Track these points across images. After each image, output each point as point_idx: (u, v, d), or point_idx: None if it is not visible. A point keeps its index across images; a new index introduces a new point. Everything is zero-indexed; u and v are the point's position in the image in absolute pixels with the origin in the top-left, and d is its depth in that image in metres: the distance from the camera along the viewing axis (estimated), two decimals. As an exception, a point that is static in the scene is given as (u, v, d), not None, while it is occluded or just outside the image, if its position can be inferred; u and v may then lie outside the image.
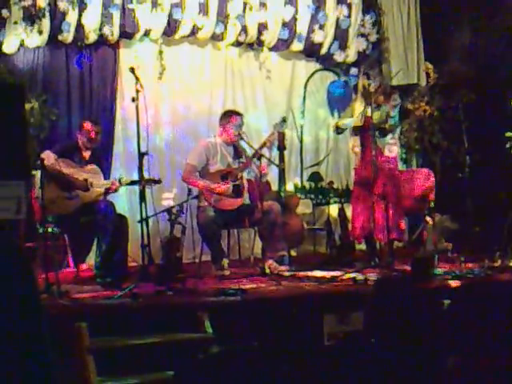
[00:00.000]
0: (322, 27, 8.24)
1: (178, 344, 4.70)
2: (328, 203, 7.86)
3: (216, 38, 7.86)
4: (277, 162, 7.28)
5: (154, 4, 7.35)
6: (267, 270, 6.18)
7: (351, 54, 8.47)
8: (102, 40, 7.27)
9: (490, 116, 8.11)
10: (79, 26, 7.07)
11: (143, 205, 5.50)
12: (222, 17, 7.72)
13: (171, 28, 7.55)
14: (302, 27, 8.15)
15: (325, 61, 8.57)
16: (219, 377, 2.05)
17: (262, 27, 7.97)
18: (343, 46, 8.42)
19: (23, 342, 2.32)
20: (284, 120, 6.93)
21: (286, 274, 6.28)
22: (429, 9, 8.72)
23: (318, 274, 6.25)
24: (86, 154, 6.34)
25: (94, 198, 6.14)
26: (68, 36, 7.05)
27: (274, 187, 7.61)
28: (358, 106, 6.74)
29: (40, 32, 6.86)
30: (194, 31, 7.69)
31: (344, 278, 6.00)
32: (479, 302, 5.44)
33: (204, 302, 5.11)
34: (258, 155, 6.51)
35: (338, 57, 8.45)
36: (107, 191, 6.21)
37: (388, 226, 6.44)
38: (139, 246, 5.59)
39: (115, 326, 4.66)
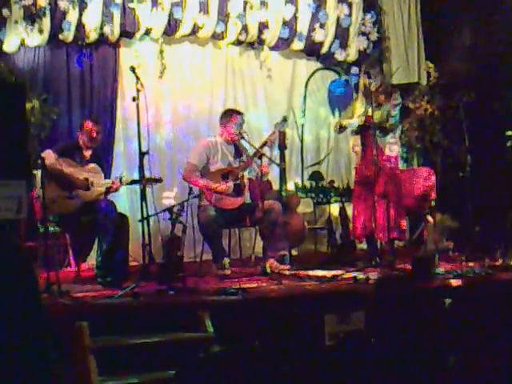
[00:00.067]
0: (322, 26, 8.24)
1: (179, 343, 4.70)
2: (329, 202, 7.86)
3: (216, 36, 7.85)
4: (277, 161, 7.28)
5: (155, 3, 7.35)
6: (268, 270, 6.18)
7: (352, 53, 8.47)
8: (102, 39, 7.27)
9: (490, 115, 8.11)
10: (80, 25, 7.07)
11: (144, 204, 5.50)
12: (223, 16, 7.71)
13: (172, 27, 7.55)
14: (302, 26, 8.15)
15: (325, 60, 8.56)
16: (220, 376, 2.05)
17: (262, 26, 7.96)
18: (344, 45, 8.42)
19: (24, 342, 2.32)
20: (285, 119, 6.94)
21: (287, 273, 6.28)
22: (429, 8, 8.72)
23: (318, 273, 6.25)
24: (87, 154, 6.34)
25: (95, 197, 6.14)
26: (68, 35, 7.05)
27: (275, 186, 7.60)
28: (359, 105, 6.73)
29: (40, 31, 6.86)
30: (195, 30, 7.68)
31: (345, 277, 5.99)
32: (480, 301, 5.44)
33: (205, 301, 5.12)
34: (258, 154, 6.51)
35: (339, 56, 8.44)
36: (108, 190, 6.21)
37: (389, 225, 6.44)
38: (140, 245, 5.59)
39: (116, 326, 4.66)
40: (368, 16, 8.50)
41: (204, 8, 7.60)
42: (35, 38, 6.88)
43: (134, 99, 5.59)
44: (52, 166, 5.88)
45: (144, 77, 5.92)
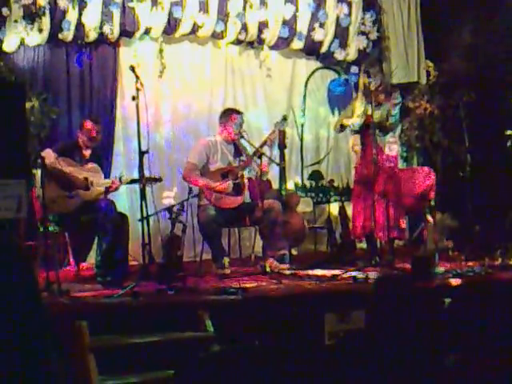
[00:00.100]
0: (322, 25, 8.24)
1: (179, 343, 4.70)
2: (328, 202, 7.86)
3: (216, 36, 7.85)
4: (277, 160, 7.28)
5: (154, 2, 7.35)
6: (268, 269, 6.18)
7: (351, 53, 8.47)
8: (102, 38, 7.27)
9: (490, 114, 8.11)
10: (79, 25, 7.07)
11: (144, 203, 5.50)
12: (223, 15, 7.71)
13: (171, 26, 7.55)
14: (302, 25, 8.15)
15: (325, 59, 8.56)
16: (220, 375, 2.05)
17: (262, 25, 7.96)
18: (343, 45, 8.42)
19: (24, 341, 2.32)
20: (284, 118, 6.94)
21: (287, 272, 6.28)
22: (429, 7, 8.71)
23: (318, 272, 6.25)
24: (87, 153, 6.33)
25: (95, 196, 6.13)
26: (68, 34, 7.05)
27: (275, 185, 7.60)
28: (359, 105, 6.73)
29: (40, 30, 6.86)
30: (195, 29, 7.68)
31: (345, 276, 6.00)
32: (480, 300, 5.43)
33: (205, 300, 5.12)
34: (258, 154, 6.51)
35: (339, 55, 8.44)
36: (108, 190, 6.20)
37: (388, 224, 6.44)
38: (140, 244, 5.59)
39: (116, 325, 4.66)
40: (368, 15, 8.49)
41: (204, 7, 7.60)
42: (35, 37, 6.88)
43: (133, 98, 5.58)
44: (52, 166, 5.88)
45: (144, 76, 5.91)
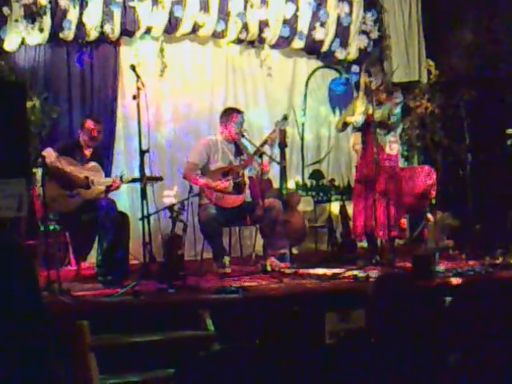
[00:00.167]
0: (323, 24, 8.23)
1: (180, 342, 4.71)
2: (329, 201, 7.86)
3: (217, 35, 7.85)
4: (278, 159, 7.28)
5: (155, 1, 7.35)
6: (268, 268, 6.18)
7: (352, 52, 8.47)
8: (102, 38, 7.27)
9: (491, 113, 8.11)
10: (80, 24, 7.07)
11: (144, 202, 5.50)
12: (223, 14, 7.71)
13: (172, 25, 7.55)
14: (303, 25, 8.14)
15: (326, 58, 8.56)
16: (221, 374, 2.05)
17: (263, 25, 7.96)
18: (344, 44, 8.42)
19: (24, 341, 2.32)
20: (285, 117, 6.93)
21: (288, 271, 6.28)
22: (430, 6, 8.71)
23: (319, 271, 6.25)
24: (87, 152, 6.33)
25: (95, 195, 6.14)
26: (69, 34, 7.05)
27: (276, 185, 7.61)
28: (360, 104, 6.72)
29: (41, 30, 6.86)
30: (195, 29, 7.68)
31: (345, 275, 5.99)
32: (481, 299, 5.42)
33: (205, 299, 5.12)
34: (259, 153, 6.51)
35: (339, 54, 8.44)
36: (108, 189, 6.21)
37: (389, 223, 6.44)
38: (140, 243, 5.59)
39: (116, 324, 4.66)
40: (368, 14, 8.49)
41: (204, 6, 7.60)
42: (36, 36, 6.88)
43: (134, 98, 5.58)
44: (52, 165, 5.87)
45: (144, 75, 5.91)
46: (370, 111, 6.49)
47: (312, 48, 8.39)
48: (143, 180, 5.59)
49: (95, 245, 6.25)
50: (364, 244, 7.09)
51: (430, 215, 7.25)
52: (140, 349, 4.57)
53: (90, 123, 6.30)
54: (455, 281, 5.66)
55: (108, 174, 6.60)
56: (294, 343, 4.83)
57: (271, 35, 8.05)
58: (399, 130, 7.18)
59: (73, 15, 6.99)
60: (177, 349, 4.52)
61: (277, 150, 7.27)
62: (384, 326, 2.92)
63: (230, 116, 6.68)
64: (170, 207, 6.27)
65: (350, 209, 7.32)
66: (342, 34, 8.38)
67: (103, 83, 7.52)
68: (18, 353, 2.30)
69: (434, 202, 7.29)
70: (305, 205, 7.94)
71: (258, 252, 7.18)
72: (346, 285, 5.69)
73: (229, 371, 2.06)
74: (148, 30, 7.46)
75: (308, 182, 8.04)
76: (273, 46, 8.21)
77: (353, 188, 7.10)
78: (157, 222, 6.42)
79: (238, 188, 6.54)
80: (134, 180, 6.27)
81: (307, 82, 8.55)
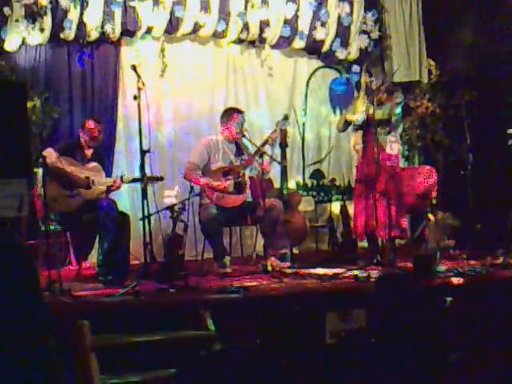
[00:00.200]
0: (323, 24, 8.23)
1: (180, 341, 4.71)
2: (330, 201, 7.86)
3: (218, 35, 7.85)
4: (279, 159, 7.28)
5: (156, 1, 7.35)
6: (269, 268, 6.18)
7: (353, 52, 8.47)
8: (103, 38, 7.27)
9: (492, 113, 8.10)
10: (81, 24, 7.07)
11: (145, 202, 5.50)
12: (224, 14, 7.71)
13: (173, 26, 7.55)
14: (303, 24, 8.14)
15: (326, 58, 8.56)
16: (221, 374, 2.05)
17: (263, 24, 7.96)
18: (345, 44, 8.42)
19: (25, 341, 2.32)
20: (286, 117, 6.93)
21: (288, 271, 6.27)
22: (430, 6, 8.71)
23: (319, 271, 6.25)
24: (88, 152, 6.33)
25: (96, 195, 6.13)
26: (70, 34, 7.05)
27: (276, 184, 7.61)
28: (361, 104, 6.72)
29: (42, 30, 6.86)
30: (196, 29, 7.68)
31: (346, 275, 5.99)
32: (481, 299, 5.44)
33: (206, 299, 5.12)
34: (260, 152, 6.51)
35: (340, 54, 8.44)
36: (109, 189, 6.21)
37: (390, 223, 6.44)
38: (141, 243, 5.59)
39: (117, 324, 4.66)
40: (369, 14, 8.49)
41: (205, 6, 7.60)
42: (36, 36, 6.88)
43: (135, 98, 5.58)
44: (53, 165, 5.87)
45: (145, 75, 5.91)
46: (371, 111, 6.49)
47: (313, 48, 8.39)
48: (144, 180, 5.59)
49: (96, 245, 6.25)
50: (365, 244, 7.09)
51: (430, 215, 7.24)
52: (141, 349, 4.58)
53: (90, 123, 6.30)
54: (456, 281, 5.66)
55: (109, 174, 6.60)
56: (295, 343, 4.83)
57: (272, 35, 8.05)
58: (400, 130, 7.18)
59: (73, 15, 6.99)
60: (177, 349, 4.52)
61: (277, 150, 7.27)
62: (385, 325, 2.92)
63: (231, 116, 6.68)
64: (171, 207, 6.27)
65: (350, 209, 7.32)
66: (343, 33, 8.38)
67: (104, 83, 7.52)
68: (19, 353, 2.30)
69: (434, 202, 7.29)
70: (305, 205, 7.94)
71: (258, 252, 7.18)
72: (347, 285, 5.68)
73: (229, 371, 2.06)
74: (149, 30, 7.46)
75: (309, 182, 8.04)
76: (273, 46, 8.21)
77: (353, 188, 7.10)
78: (157, 222, 6.42)
79: (239, 188, 6.54)
80: (134, 180, 6.26)
81: (308, 82, 8.55)
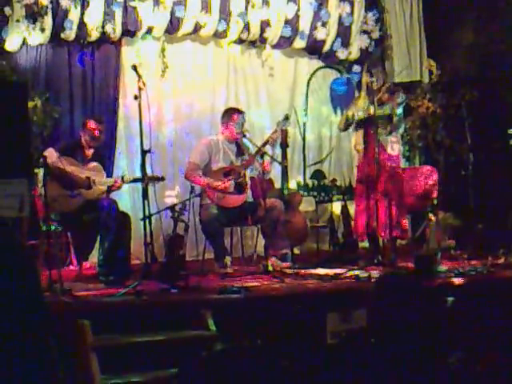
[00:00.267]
0: (324, 24, 8.23)
1: (181, 342, 4.71)
2: (331, 201, 7.86)
3: (218, 35, 7.85)
4: (279, 159, 7.28)
5: (156, 2, 7.35)
6: (270, 268, 6.18)
7: (354, 52, 8.46)
8: (104, 38, 7.27)
9: (493, 113, 8.10)
10: (81, 24, 7.07)
11: (146, 202, 5.50)
12: (225, 14, 7.71)
13: (173, 26, 7.54)
14: (304, 24, 8.14)
15: (327, 58, 8.56)
16: (222, 375, 2.04)
17: (264, 24, 7.96)
18: (346, 44, 8.42)
19: (25, 341, 2.32)
20: (287, 117, 6.93)
21: (289, 271, 6.27)
22: (431, 5, 8.71)
23: (320, 271, 6.25)
24: (89, 152, 6.33)
25: (97, 195, 6.14)
26: (70, 34, 7.05)
27: (277, 185, 7.60)
28: (362, 104, 6.73)
29: (42, 30, 6.86)
30: (197, 29, 7.68)
31: (347, 275, 5.99)
32: (483, 299, 5.43)
33: (207, 299, 5.12)
34: (260, 153, 6.51)
35: (341, 54, 8.44)
36: (110, 189, 6.21)
37: (391, 223, 6.44)
38: (142, 243, 5.59)
39: (118, 324, 4.66)
40: (370, 14, 8.49)
41: (206, 6, 7.59)
42: (37, 36, 6.88)
43: (135, 98, 5.58)
44: (54, 165, 5.87)
45: (146, 75, 5.91)
46: (372, 111, 6.49)
47: (313, 48, 8.38)
48: (145, 180, 5.59)
49: (97, 245, 6.25)
50: (366, 244, 7.09)
51: (431, 215, 7.24)
52: (142, 349, 4.57)
53: (91, 123, 6.30)
54: (457, 281, 5.66)
55: (109, 174, 6.60)
56: (296, 343, 4.83)
57: (272, 35, 8.05)
58: (401, 130, 7.17)
59: (74, 15, 6.99)
60: (178, 349, 4.52)
61: (278, 150, 7.26)
62: (386, 326, 2.91)
63: (231, 116, 6.68)
64: (172, 207, 6.27)
65: (351, 209, 7.32)
66: (344, 33, 8.38)
67: (104, 83, 7.52)
68: (19, 353, 2.30)
69: (435, 202, 7.29)
70: (306, 205, 7.94)
71: (259, 252, 7.18)
72: (348, 285, 5.69)
73: (230, 371, 2.06)
74: (149, 30, 7.46)
75: (309, 182, 8.03)
76: (274, 46, 8.21)
77: (354, 188, 7.10)
78: (158, 222, 6.41)
79: (240, 188, 6.54)
80: (135, 180, 6.27)
81: (309, 82, 8.55)
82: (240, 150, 6.75)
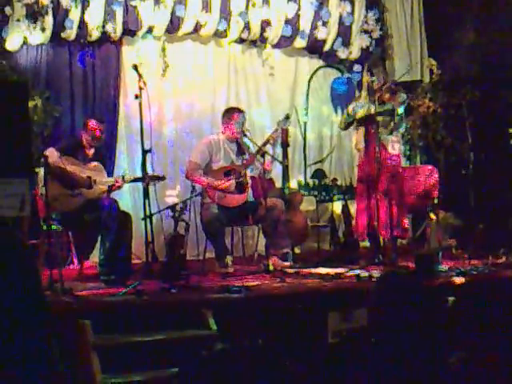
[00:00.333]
0: (325, 24, 8.23)
1: (182, 341, 4.71)
2: (331, 200, 7.85)
3: (219, 34, 7.85)
4: (280, 158, 7.28)
5: (157, 1, 7.35)
6: (271, 267, 6.17)
7: (354, 51, 8.46)
8: (104, 37, 7.27)
9: (493, 112, 8.10)
10: (82, 23, 7.07)
11: (147, 202, 5.50)
12: (225, 14, 7.71)
13: (174, 25, 7.54)
14: (305, 24, 8.14)
15: (328, 57, 8.56)
16: (223, 374, 2.04)
17: (264, 24, 7.96)
18: (346, 43, 8.42)
19: (26, 340, 2.32)
20: (287, 117, 6.93)
21: (290, 270, 6.28)
22: (432, 5, 8.70)
23: (321, 270, 6.25)
24: (90, 152, 6.33)
25: (98, 195, 6.13)
26: (71, 33, 7.05)
27: (278, 184, 7.61)
28: (363, 102, 6.73)
29: (43, 29, 6.86)
30: (197, 28, 7.68)
31: (348, 274, 5.99)
32: (483, 298, 5.43)
33: (208, 299, 5.12)
34: (261, 152, 6.51)
35: (342, 53, 8.44)
36: (111, 188, 6.20)
37: (391, 222, 6.44)
38: (143, 243, 5.60)
39: (119, 323, 4.66)
40: (370, 14, 8.49)
41: (206, 6, 7.60)
42: (37, 36, 6.88)
43: (136, 97, 5.58)
44: (55, 164, 5.87)
45: (146, 75, 5.91)
46: (373, 111, 6.49)
47: (314, 47, 8.38)
48: (145, 179, 5.59)
49: (98, 244, 6.25)
50: (366, 243, 7.09)
51: (432, 215, 7.24)
52: (142, 348, 4.58)
53: (92, 123, 6.29)
54: (458, 280, 5.66)
55: (110, 174, 6.60)
56: (297, 343, 4.83)
57: (273, 34, 8.04)
58: (402, 130, 7.18)
59: (75, 15, 6.99)
60: (179, 348, 4.52)
61: (279, 150, 7.26)
62: (387, 325, 2.91)
63: (232, 115, 6.68)
64: (173, 207, 6.27)
65: (352, 208, 7.32)
66: (344, 33, 8.38)
67: (105, 83, 7.52)
68: (20, 352, 2.30)
69: (436, 201, 7.29)
70: (307, 204, 7.94)
71: (260, 251, 7.18)
72: (349, 284, 5.68)
73: (231, 371, 2.06)
74: (150, 30, 7.46)
75: (310, 182, 8.03)
76: (275, 46, 8.21)
77: (355, 187, 7.10)
78: (159, 222, 6.41)
79: (241, 187, 6.54)
80: (136, 179, 6.27)
81: (309, 82, 8.55)
82: (241, 150, 6.75)
